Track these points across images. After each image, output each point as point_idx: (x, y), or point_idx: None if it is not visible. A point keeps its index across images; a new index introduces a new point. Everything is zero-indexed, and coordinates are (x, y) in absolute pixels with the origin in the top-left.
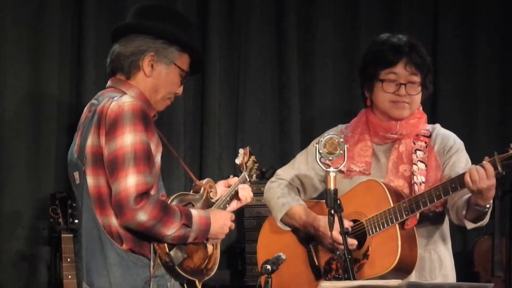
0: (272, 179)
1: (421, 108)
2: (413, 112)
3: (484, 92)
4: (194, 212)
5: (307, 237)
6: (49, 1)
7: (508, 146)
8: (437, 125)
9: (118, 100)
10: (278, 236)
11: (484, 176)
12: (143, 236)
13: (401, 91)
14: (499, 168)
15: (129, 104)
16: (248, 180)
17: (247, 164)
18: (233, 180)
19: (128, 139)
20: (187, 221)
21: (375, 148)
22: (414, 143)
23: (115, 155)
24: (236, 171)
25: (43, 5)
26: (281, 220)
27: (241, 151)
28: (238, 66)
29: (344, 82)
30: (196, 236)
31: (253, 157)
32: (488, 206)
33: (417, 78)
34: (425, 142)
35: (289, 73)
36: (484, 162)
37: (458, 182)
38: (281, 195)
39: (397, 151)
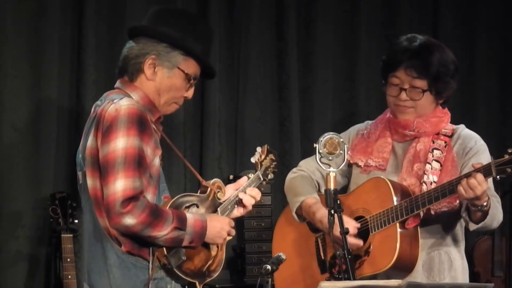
0: (294, 170)
1: (444, 107)
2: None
3: (484, 92)
4: (189, 215)
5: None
6: (49, 1)
7: (505, 151)
8: (461, 126)
9: (116, 103)
10: (295, 226)
11: (476, 186)
12: (141, 239)
13: (401, 96)
14: (494, 173)
15: (125, 108)
16: (262, 179)
17: (263, 163)
18: (243, 179)
19: (120, 143)
20: (180, 224)
21: (395, 145)
22: (433, 142)
23: (106, 159)
24: (236, 171)
25: (43, 5)
26: (296, 213)
27: (258, 149)
28: (238, 66)
29: (344, 82)
30: (191, 239)
31: (271, 155)
32: (485, 204)
33: (420, 83)
34: (445, 142)
35: (289, 73)
36: (472, 171)
37: (456, 184)
38: (298, 187)
39: (414, 149)
